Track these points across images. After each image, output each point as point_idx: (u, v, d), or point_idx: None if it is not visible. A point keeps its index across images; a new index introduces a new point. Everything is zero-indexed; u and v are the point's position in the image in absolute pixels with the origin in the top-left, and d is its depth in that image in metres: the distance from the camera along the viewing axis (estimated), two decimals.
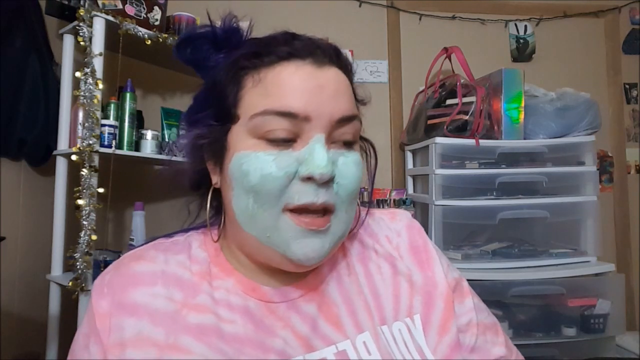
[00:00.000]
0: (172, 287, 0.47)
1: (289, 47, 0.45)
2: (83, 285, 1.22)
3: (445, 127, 1.55)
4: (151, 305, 0.45)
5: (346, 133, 0.46)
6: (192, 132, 0.49)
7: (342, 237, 0.47)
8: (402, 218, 0.60)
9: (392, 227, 0.59)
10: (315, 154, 0.43)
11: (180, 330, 0.44)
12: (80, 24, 1.26)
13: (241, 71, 0.46)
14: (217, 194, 0.51)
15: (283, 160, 0.43)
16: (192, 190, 0.54)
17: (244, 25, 0.50)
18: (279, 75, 0.44)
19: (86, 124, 1.25)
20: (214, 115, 0.47)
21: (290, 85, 0.43)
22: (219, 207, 0.53)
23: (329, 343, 0.46)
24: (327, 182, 0.43)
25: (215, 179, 0.50)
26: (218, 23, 0.49)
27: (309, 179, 0.43)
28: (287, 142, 0.44)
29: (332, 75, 0.46)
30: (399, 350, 0.48)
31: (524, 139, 1.58)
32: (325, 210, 0.44)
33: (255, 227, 0.44)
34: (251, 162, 0.43)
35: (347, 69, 0.49)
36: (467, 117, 1.54)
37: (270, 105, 0.43)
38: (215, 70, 0.49)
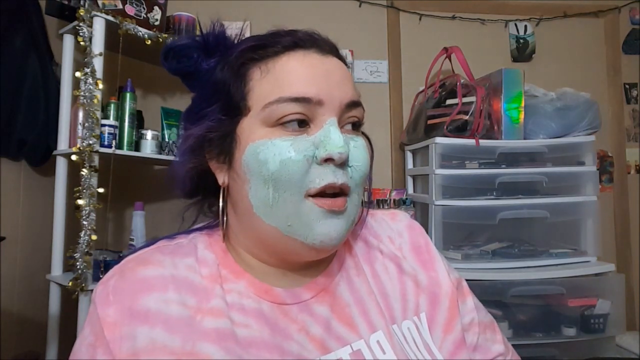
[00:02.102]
0: (184, 292, 0.45)
1: (292, 37, 0.46)
2: (83, 285, 1.22)
3: (445, 127, 1.55)
4: (164, 311, 0.43)
5: (354, 116, 0.47)
6: (201, 125, 0.47)
7: (355, 220, 0.48)
8: (402, 218, 0.61)
9: (394, 227, 0.59)
10: (332, 135, 0.43)
11: (198, 336, 0.42)
12: (80, 24, 1.27)
13: (247, 63, 0.46)
14: (218, 195, 0.50)
15: (300, 144, 0.43)
16: (187, 198, 0.53)
17: (234, 27, 0.50)
18: (287, 64, 0.45)
19: (86, 124, 1.26)
20: (222, 110, 0.47)
21: (300, 72, 0.45)
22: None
23: (343, 343, 0.46)
24: (343, 164, 0.44)
25: (222, 178, 0.49)
26: (210, 25, 0.49)
27: (326, 160, 0.43)
28: (302, 127, 0.44)
29: (336, 63, 0.48)
30: (410, 348, 0.49)
31: (524, 139, 1.58)
32: (341, 193, 0.45)
33: (276, 217, 0.44)
34: (268, 149, 0.43)
35: (345, 62, 0.50)
36: (467, 117, 1.54)
37: (283, 93, 0.43)
38: (213, 70, 0.49)
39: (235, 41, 0.50)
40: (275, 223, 0.44)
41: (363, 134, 0.51)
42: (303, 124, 0.44)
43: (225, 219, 0.51)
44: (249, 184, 0.45)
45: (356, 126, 0.48)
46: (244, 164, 0.45)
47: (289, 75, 0.44)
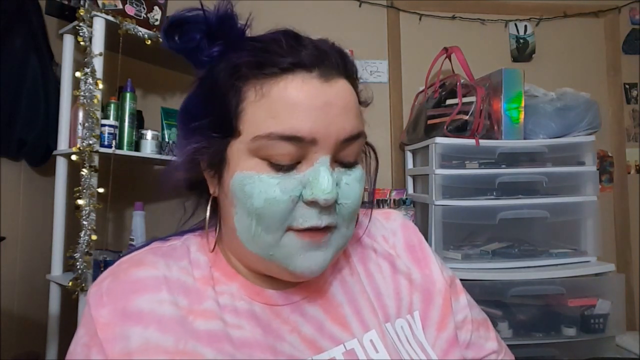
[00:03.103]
0: (176, 293, 0.45)
1: (293, 57, 0.42)
2: (83, 285, 1.22)
3: (445, 127, 1.55)
4: (158, 311, 0.43)
5: (349, 155, 0.45)
6: (191, 143, 0.46)
7: (341, 249, 0.47)
8: (396, 218, 0.61)
9: (388, 226, 0.60)
10: (320, 178, 0.41)
11: (190, 336, 0.43)
12: (80, 24, 1.26)
13: (243, 79, 0.43)
14: (213, 199, 0.50)
15: (287, 183, 0.42)
16: (187, 190, 0.53)
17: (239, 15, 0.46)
18: (284, 92, 0.41)
19: (86, 124, 1.25)
20: (214, 126, 0.45)
21: (296, 104, 0.41)
22: (213, 212, 0.52)
23: (336, 343, 0.47)
24: (330, 206, 0.43)
25: (212, 189, 0.48)
26: (216, 5, 0.44)
27: (313, 202, 0.42)
28: (291, 166, 0.42)
29: (339, 89, 0.43)
30: (403, 347, 0.49)
31: (524, 139, 1.58)
32: (327, 228, 0.44)
33: (257, 246, 0.44)
34: (255, 184, 0.42)
35: (353, 77, 0.47)
36: (467, 117, 1.54)
37: (275, 128, 0.41)
38: (211, 69, 0.46)
39: (244, 29, 0.46)
40: (257, 251, 0.44)
41: (367, 144, 0.49)
42: (293, 164, 0.42)
43: (217, 225, 0.51)
44: (235, 209, 0.44)
45: (348, 165, 0.45)
46: (232, 189, 0.44)
47: (284, 107, 0.41)
